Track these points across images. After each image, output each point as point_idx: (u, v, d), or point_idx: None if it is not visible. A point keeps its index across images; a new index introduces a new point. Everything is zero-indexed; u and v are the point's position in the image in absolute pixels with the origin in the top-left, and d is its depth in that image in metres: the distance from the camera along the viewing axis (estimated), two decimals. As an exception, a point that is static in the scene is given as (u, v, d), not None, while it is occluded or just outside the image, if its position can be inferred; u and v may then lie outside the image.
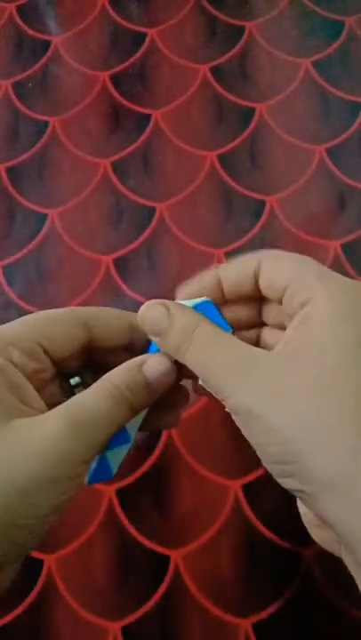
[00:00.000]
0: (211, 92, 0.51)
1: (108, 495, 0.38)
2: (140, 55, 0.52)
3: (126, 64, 0.52)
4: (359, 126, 0.48)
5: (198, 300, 0.25)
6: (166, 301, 0.25)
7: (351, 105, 0.49)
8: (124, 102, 0.51)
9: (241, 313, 0.27)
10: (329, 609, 0.35)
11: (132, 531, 0.37)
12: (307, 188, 0.46)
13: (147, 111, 0.50)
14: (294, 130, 0.49)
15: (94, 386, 0.23)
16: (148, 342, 0.26)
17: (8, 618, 0.36)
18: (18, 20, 0.55)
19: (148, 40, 0.53)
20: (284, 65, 0.51)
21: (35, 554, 0.37)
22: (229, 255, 0.44)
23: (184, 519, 0.38)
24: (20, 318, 0.25)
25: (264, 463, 0.22)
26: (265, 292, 0.25)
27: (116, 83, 0.51)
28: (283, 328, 0.26)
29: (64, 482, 0.21)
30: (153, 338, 0.25)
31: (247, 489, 0.38)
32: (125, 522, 0.38)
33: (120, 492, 0.38)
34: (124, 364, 0.24)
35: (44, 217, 0.47)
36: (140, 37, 0.53)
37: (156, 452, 0.39)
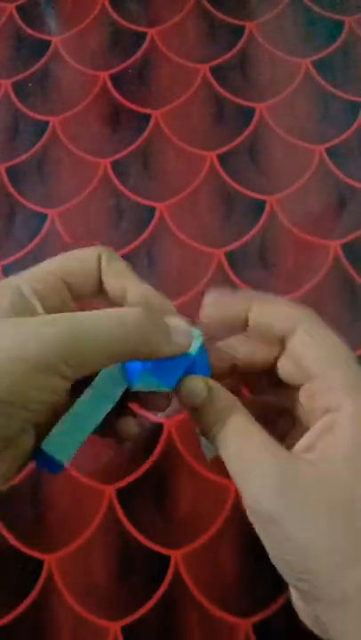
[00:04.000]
0: (211, 92, 0.51)
1: (108, 495, 0.38)
2: (140, 55, 0.52)
3: (126, 64, 0.52)
4: (359, 126, 0.48)
5: (198, 344, 0.25)
6: (208, 379, 0.24)
7: (351, 105, 0.49)
8: (124, 102, 0.51)
9: (258, 352, 0.26)
10: (329, 609, 0.35)
11: (132, 531, 0.37)
12: (307, 188, 0.46)
13: (147, 111, 0.50)
14: (294, 130, 0.49)
15: (104, 310, 0.22)
16: None
17: (8, 618, 0.36)
18: (18, 19, 0.55)
19: (148, 40, 0.53)
20: (284, 65, 0.51)
21: (35, 554, 0.37)
22: (229, 255, 0.44)
23: (184, 519, 0.38)
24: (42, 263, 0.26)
25: (275, 563, 0.22)
26: (292, 357, 0.24)
27: (116, 83, 0.51)
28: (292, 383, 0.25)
29: (45, 375, 0.20)
30: (191, 413, 0.24)
31: (247, 489, 0.38)
32: (125, 522, 0.38)
33: (120, 492, 0.38)
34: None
35: (44, 217, 0.47)
36: (140, 37, 0.53)
37: (156, 452, 0.39)
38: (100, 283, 0.26)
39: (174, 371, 0.24)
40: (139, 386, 0.24)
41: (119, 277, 0.26)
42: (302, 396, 0.24)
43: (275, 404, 0.27)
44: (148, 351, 0.23)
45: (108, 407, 0.25)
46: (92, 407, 0.24)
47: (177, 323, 0.24)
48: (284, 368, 0.25)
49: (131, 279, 0.26)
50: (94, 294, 0.26)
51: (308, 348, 0.23)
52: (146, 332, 0.22)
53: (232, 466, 0.23)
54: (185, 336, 0.24)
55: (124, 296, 0.26)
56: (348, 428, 0.22)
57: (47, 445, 0.24)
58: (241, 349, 0.26)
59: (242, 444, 0.23)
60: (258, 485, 0.22)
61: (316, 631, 0.23)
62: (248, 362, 0.25)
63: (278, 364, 0.25)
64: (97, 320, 0.21)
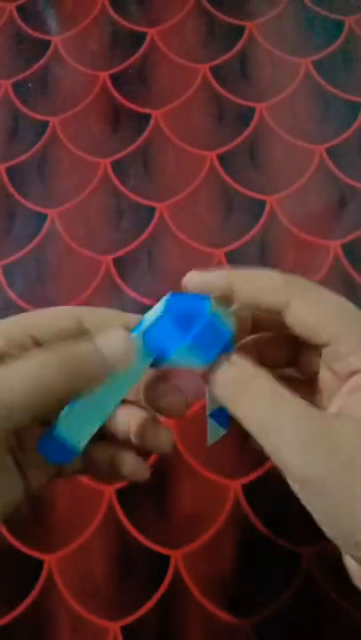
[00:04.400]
0: (211, 92, 0.51)
1: (108, 495, 0.38)
2: (140, 55, 0.52)
3: (126, 64, 0.52)
4: (359, 126, 0.48)
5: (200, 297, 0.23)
6: (228, 354, 0.22)
7: (351, 105, 0.49)
8: (124, 102, 0.51)
9: (272, 352, 0.26)
10: (329, 609, 0.35)
11: (132, 531, 0.37)
12: (307, 188, 0.46)
13: (147, 111, 0.50)
14: (294, 130, 0.49)
15: (33, 351, 0.21)
16: None
17: (8, 618, 0.36)
18: (18, 19, 0.55)
19: (148, 40, 0.53)
20: (284, 65, 0.51)
21: (35, 554, 0.37)
22: (229, 255, 0.44)
23: (184, 519, 0.38)
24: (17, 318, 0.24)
25: (330, 533, 0.21)
26: (294, 329, 0.23)
27: (116, 83, 0.51)
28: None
29: None
30: (213, 390, 0.23)
31: (247, 489, 0.38)
32: (125, 522, 0.38)
33: (120, 492, 0.38)
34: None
35: (44, 217, 0.47)
36: (140, 37, 0.53)
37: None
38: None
39: (213, 346, 0.22)
40: (170, 362, 0.22)
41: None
42: (325, 361, 0.23)
43: (295, 377, 0.26)
44: (84, 385, 0.21)
45: (131, 385, 0.23)
46: (112, 384, 0.22)
47: (107, 340, 0.22)
48: (294, 327, 0.23)
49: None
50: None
51: (310, 316, 0.22)
52: (68, 373, 0.20)
53: (264, 437, 0.21)
54: (121, 349, 0.22)
55: None
56: None
57: (59, 428, 0.22)
58: (238, 284, 0.24)
59: (272, 409, 0.21)
60: (300, 454, 0.20)
61: None
62: (245, 299, 0.23)
63: (285, 320, 0.23)
64: (20, 377, 0.20)
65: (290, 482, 0.21)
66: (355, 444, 0.20)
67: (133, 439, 0.24)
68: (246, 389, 0.21)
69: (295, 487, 0.21)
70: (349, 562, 0.24)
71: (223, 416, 0.25)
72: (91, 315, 0.24)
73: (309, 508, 0.21)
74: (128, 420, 0.24)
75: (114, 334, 0.22)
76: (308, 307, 0.22)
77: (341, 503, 0.19)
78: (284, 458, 0.20)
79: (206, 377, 0.23)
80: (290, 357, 0.26)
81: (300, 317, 0.22)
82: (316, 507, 0.20)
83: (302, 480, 0.20)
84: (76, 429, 0.22)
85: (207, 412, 0.26)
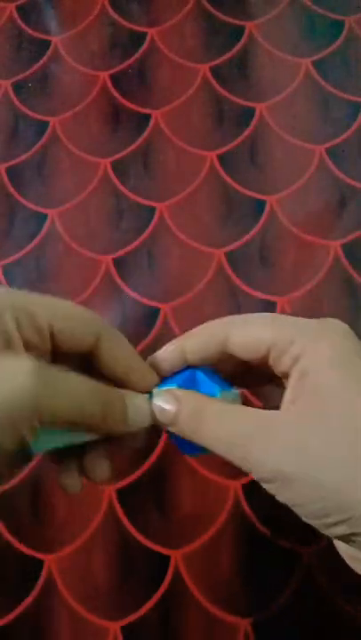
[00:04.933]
0: (211, 92, 0.51)
1: (108, 495, 0.38)
2: (140, 55, 0.52)
3: (126, 64, 0.52)
4: (359, 126, 0.48)
5: (184, 373, 0.26)
6: (174, 389, 0.25)
7: (351, 105, 0.49)
8: (124, 102, 0.51)
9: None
10: (329, 609, 0.35)
11: (132, 531, 0.37)
12: (307, 188, 0.46)
13: (147, 111, 0.50)
14: (294, 130, 0.49)
15: (82, 378, 0.23)
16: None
17: (8, 618, 0.36)
18: (18, 20, 0.55)
19: (148, 40, 0.53)
20: (284, 65, 0.51)
21: (35, 554, 0.37)
22: (229, 255, 0.44)
23: (184, 519, 0.38)
24: (53, 298, 0.25)
25: (307, 520, 0.22)
26: (242, 357, 0.25)
27: (116, 83, 0.51)
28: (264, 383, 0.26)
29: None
30: (169, 428, 0.25)
31: (247, 489, 0.38)
32: (125, 522, 0.38)
33: (120, 492, 0.38)
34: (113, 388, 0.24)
35: (44, 217, 0.47)
36: (140, 37, 0.53)
37: (157, 452, 0.39)
38: (90, 352, 0.26)
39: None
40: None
41: (118, 360, 0.26)
42: (272, 365, 0.24)
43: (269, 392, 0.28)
44: (102, 429, 0.23)
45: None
46: None
47: (140, 403, 0.25)
48: (240, 353, 0.25)
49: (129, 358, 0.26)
50: (78, 357, 0.26)
51: (244, 336, 0.24)
52: (103, 410, 0.23)
53: (228, 452, 0.23)
54: (142, 417, 0.25)
55: (121, 376, 0.26)
56: (320, 362, 0.22)
57: None
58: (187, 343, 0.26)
59: (224, 428, 0.23)
60: (252, 450, 0.22)
61: None
62: (196, 351, 0.26)
63: (232, 351, 0.25)
64: (68, 382, 0.22)
65: (263, 485, 0.22)
66: (306, 431, 0.21)
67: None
68: (203, 419, 0.23)
69: (266, 487, 0.22)
70: (338, 543, 0.25)
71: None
72: (109, 339, 0.26)
73: (281, 500, 0.22)
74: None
75: (143, 402, 0.25)
76: (241, 330, 0.25)
77: (306, 492, 0.21)
78: (250, 463, 0.22)
79: (158, 417, 0.25)
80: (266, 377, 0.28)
81: (237, 343, 0.25)
82: (287, 498, 0.22)
83: (269, 478, 0.22)
84: (42, 440, 0.23)
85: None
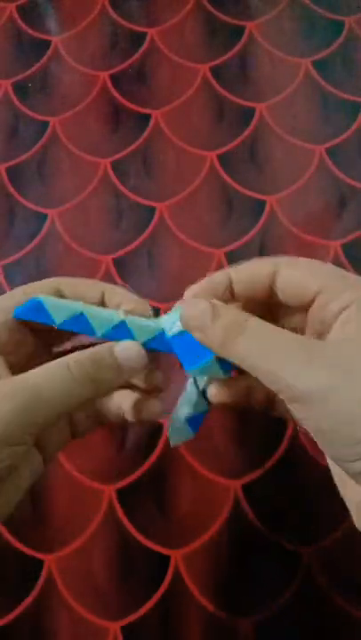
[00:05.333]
0: (211, 92, 0.51)
1: (108, 495, 0.38)
2: (140, 55, 0.52)
3: (126, 64, 0.52)
4: (359, 126, 0.48)
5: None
6: (212, 300, 0.24)
7: (351, 105, 0.49)
8: (124, 102, 0.51)
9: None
10: (329, 609, 0.35)
11: (132, 531, 0.37)
12: (307, 188, 0.46)
13: (147, 111, 0.50)
14: (294, 130, 0.49)
15: (53, 362, 0.23)
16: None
17: (8, 618, 0.36)
18: (18, 20, 0.55)
19: (148, 40, 0.53)
20: (284, 65, 0.51)
21: (35, 554, 0.37)
22: (229, 255, 0.44)
23: (184, 519, 0.38)
24: (9, 293, 0.26)
25: (331, 450, 0.21)
26: (283, 297, 0.25)
27: (116, 83, 0.51)
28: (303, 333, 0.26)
29: (10, 448, 0.22)
30: (196, 334, 0.24)
31: (247, 489, 0.38)
32: (125, 522, 0.38)
33: (120, 492, 0.38)
34: (96, 347, 0.25)
35: (44, 217, 0.47)
36: (140, 37, 0.53)
37: (157, 452, 0.39)
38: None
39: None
40: (194, 371, 0.25)
41: (86, 293, 0.27)
42: (314, 311, 0.24)
43: None
44: (103, 392, 0.25)
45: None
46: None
47: (125, 346, 0.25)
48: (285, 292, 0.25)
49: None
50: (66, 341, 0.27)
51: (298, 275, 0.24)
52: (90, 378, 0.24)
53: (263, 365, 0.22)
54: (136, 358, 0.25)
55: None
56: None
57: (45, 299, 0.26)
58: (233, 271, 0.26)
59: (271, 339, 0.22)
60: (300, 370, 0.21)
61: None
62: (247, 289, 0.26)
63: (276, 289, 0.25)
64: (50, 383, 0.23)
65: (288, 405, 0.22)
66: (354, 357, 0.21)
67: (129, 417, 0.27)
68: (244, 329, 0.23)
69: (294, 408, 0.22)
70: (334, 467, 0.24)
71: (197, 420, 0.28)
72: (71, 287, 0.27)
73: (308, 424, 0.21)
74: (120, 404, 0.28)
75: (130, 346, 0.25)
76: (295, 268, 0.25)
77: (342, 410, 0.20)
78: (285, 379, 0.21)
79: (188, 324, 0.24)
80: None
81: (289, 278, 0.24)
82: (317, 420, 0.21)
83: (302, 395, 0.21)
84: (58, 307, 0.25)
85: (183, 414, 0.28)
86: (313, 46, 0.52)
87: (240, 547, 0.37)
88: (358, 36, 0.52)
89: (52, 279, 0.27)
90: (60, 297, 0.26)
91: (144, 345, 0.25)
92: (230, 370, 0.25)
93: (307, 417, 0.21)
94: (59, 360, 0.23)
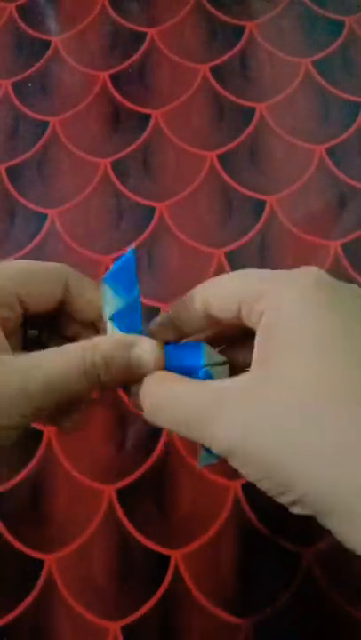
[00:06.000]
0: (211, 92, 0.51)
1: (108, 495, 0.38)
2: (140, 55, 0.52)
3: (126, 64, 0.52)
4: (359, 126, 0.48)
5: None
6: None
7: (351, 105, 0.49)
8: (124, 102, 0.51)
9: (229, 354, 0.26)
10: (329, 609, 0.35)
11: (132, 531, 0.37)
12: (307, 188, 0.46)
13: (147, 111, 0.50)
14: (294, 130, 0.49)
15: (68, 349, 0.23)
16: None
17: (8, 618, 0.36)
18: (18, 19, 0.55)
19: (148, 40, 0.53)
20: (284, 65, 0.51)
21: (35, 554, 0.37)
22: (229, 255, 0.44)
23: (184, 519, 0.38)
24: (6, 265, 0.25)
25: (267, 495, 0.21)
26: (219, 317, 0.24)
27: (116, 83, 0.51)
28: None
29: (4, 431, 0.22)
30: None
31: (247, 489, 0.38)
32: (125, 522, 0.38)
33: (120, 492, 0.38)
34: (113, 337, 0.24)
35: (44, 217, 0.47)
36: (140, 37, 0.53)
37: (157, 452, 0.39)
38: (60, 303, 0.26)
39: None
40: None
41: (92, 300, 0.26)
42: (249, 325, 0.23)
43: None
44: (107, 386, 0.23)
45: None
46: None
47: (143, 351, 0.24)
48: (216, 309, 0.24)
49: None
50: (49, 313, 0.26)
51: (219, 294, 0.24)
52: (100, 381, 0.23)
53: (184, 431, 0.22)
54: (150, 364, 0.24)
55: (95, 318, 0.26)
56: (281, 316, 0.20)
57: None
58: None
59: (174, 406, 0.22)
60: (202, 427, 0.21)
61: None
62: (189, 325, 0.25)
63: (211, 313, 0.24)
64: (63, 379, 0.22)
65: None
66: (252, 401, 0.20)
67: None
68: (159, 406, 0.23)
69: (230, 463, 0.21)
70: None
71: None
72: (77, 281, 0.26)
73: (244, 475, 0.21)
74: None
75: (150, 345, 0.23)
76: (215, 288, 0.24)
77: (254, 469, 0.20)
78: (204, 440, 0.21)
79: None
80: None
81: (213, 302, 0.24)
82: (245, 472, 0.21)
83: (223, 453, 0.21)
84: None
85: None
86: (313, 46, 0.52)
87: (240, 547, 0.37)
88: (358, 36, 0.52)
89: (61, 265, 0.26)
90: (64, 286, 0.26)
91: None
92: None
93: (239, 470, 0.21)
94: (75, 355, 0.22)
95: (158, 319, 0.26)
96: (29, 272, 0.25)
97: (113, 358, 0.23)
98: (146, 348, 0.23)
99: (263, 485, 0.20)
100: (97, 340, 0.23)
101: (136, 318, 0.24)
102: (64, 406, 0.26)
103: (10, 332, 0.25)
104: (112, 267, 0.25)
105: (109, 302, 0.24)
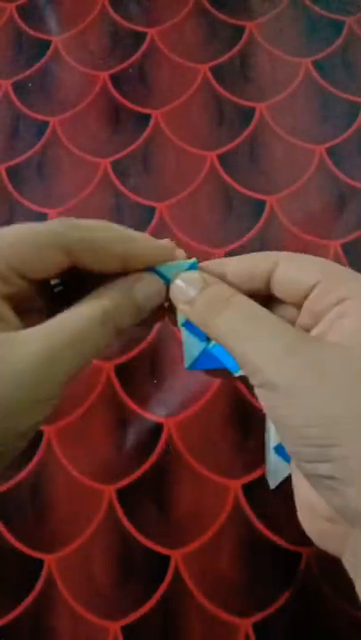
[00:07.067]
0: (211, 92, 0.51)
1: (108, 495, 0.38)
2: (140, 55, 0.52)
3: (126, 64, 0.52)
4: (359, 126, 0.48)
5: (188, 262, 0.25)
6: (198, 272, 0.24)
7: (351, 105, 0.49)
8: (124, 102, 0.51)
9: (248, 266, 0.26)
10: (329, 608, 0.35)
11: (132, 531, 0.37)
12: (307, 188, 0.46)
13: (147, 111, 0.50)
14: (294, 130, 0.49)
15: (80, 306, 0.22)
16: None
17: (8, 618, 0.36)
18: (18, 20, 0.55)
19: (148, 40, 0.53)
20: (284, 65, 0.51)
21: (35, 554, 0.37)
22: (229, 255, 0.44)
23: (184, 519, 0.38)
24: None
25: (292, 447, 0.21)
26: (279, 291, 0.24)
27: (116, 83, 0.51)
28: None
29: (41, 404, 0.21)
30: (181, 306, 0.24)
31: (247, 489, 0.38)
32: (125, 522, 0.38)
33: (120, 492, 0.38)
34: (114, 285, 0.23)
35: (44, 217, 0.47)
36: (140, 37, 0.53)
37: (157, 452, 0.39)
38: (62, 260, 0.23)
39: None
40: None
41: (108, 248, 0.24)
42: (308, 304, 0.23)
43: None
44: (121, 333, 0.23)
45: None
46: None
47: (146, 287, 0.24)
48: (281, 289, 0.24)
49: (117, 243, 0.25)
50: (53, 276, 0.24)
51: (297, 269, 0.23)
52: (116, 330, 0.23)
53: (241, 345, 0.21)
54: (156, 297, 0.24)
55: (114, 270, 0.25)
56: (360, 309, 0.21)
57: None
58: (231, 264, 0.25)
59: (253, 320, 0.22)
60: (278, 360, 0.20)
61: (324, 545, 0.22)
62: (240, 274, 0.25)
63: (273, 283, 0.24)
64: (84, 335, 0.22)
65: (256, 390, 0.21)
66: (331, 355, 0.20)
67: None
68: (228, 305, 0.22)
69: (261, 394, 0.21)
70: (299, 487, 0.24)
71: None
72: (81, 243, 0.23)
73: (272, 413, 0.21)
74: None
75: (151, 283, 0.24)
76: (292, 263, 0.24)
77: (313, 411, 0.19)
78: (259, 364, 0.21)
79: (177, 295, 0.24)
80: None
81: (286, 276, 0.24)
82: (284, 414, 0.20)
83: (274, 387, 0.20)
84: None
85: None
86: (313, 46, 0.52)
87: (240, 547, 0.37)
88: (358, 36, 0.52)
89: (58, 223, 0.24)
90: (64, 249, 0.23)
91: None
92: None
93: (273, 406, 0.21)
94: (83, 305, 0.22)
95: (206, 263, 0.25)
96: (18, 240, 0.22)
97: (121, 303, 0.23)
98: (142, 286, 0.24)
99: (301, 432, 0.20)
100: (96, 293, 0.23)
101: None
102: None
103: (22, 303, 0.23)
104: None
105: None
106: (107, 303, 0.22)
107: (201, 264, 0.25)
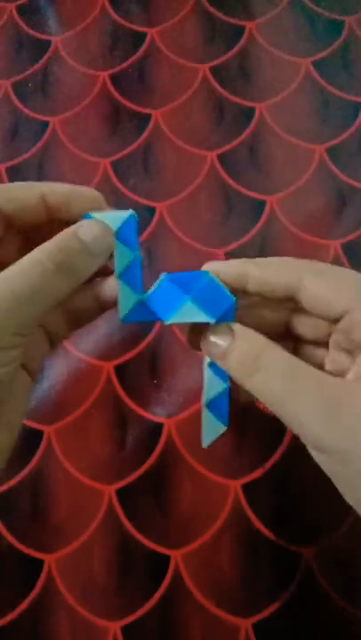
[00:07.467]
0: (211, 92, 0.51)
1: (108, 495, 0.38)
2: (140, 55, 0.52)
3: (126, 64, 0.52)
4: (359, 126, 0.48)
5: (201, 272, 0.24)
6: (230, 324, 0.23)
7: (351, 105, 0.49)
8: (124, 102, 0.51)
9: (267, 314, 0.25)
10: (329, 608, 0.35)
11: (132, 531, 0.37)
12: (307, 188, 0.46)
13: (147, 111, 0.50)
14: (294, 130, 0.49)
15: (24, 257, 0.22)
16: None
17: (8, 618, 0.36)
18: (18, 20, 0.55)
19: (148, 40, 0.53)
20: (284, 65, 0.51)
21: (35, 554, 0.37)
22: (230, 255, 0.44)
23: (184, 519, 0.38)
24: None
25: (351, 501, 0.21)
26: (308, 308, 0.23)
27: (116, 83, 0.51)
28: (324, 344, 0.25)
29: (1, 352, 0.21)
30: (217, 361, 0.23)
31: (247, 489, 0.38)
32: (125, 522, 0.38)
33: (120, 492, 0.38)
34: (58, 234, 0.23)
35: (44, 217, 0.47)
36: (140, 37, 0.53)
37: (157, 452, 0.39)
38: (46, 211, 0.25)
39: (216, 304, 0.23)
40: (176, 317, 0.24)
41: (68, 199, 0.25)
42: (339, 331, 0.23)
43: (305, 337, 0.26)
44: (81, 277, 0.23)
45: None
46: None
47: (87, 227, 0.24)
48: (310, 305, 0.23)
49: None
50: (39, 224, 0.25)
51: (324, 290, 0.23)
52: (66, 268, 0.22)
53: (283, 410, 0.21)
54: (102, 237, 0.24)
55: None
56: None
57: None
58: (254, 272, 0.24)
59: (290, 379, 0.21)
60: (320, 425, 0.20)
61: None
62: (262, 283, 0.24)
63: (301, 298, 0.23)
64: (29, 280, 0.21)
65: (311, 451, 0.21)
66: None
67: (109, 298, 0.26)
68: (260, 361, 0.22)
69: (317, 456, 0.21)
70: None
71: (222, 408, 0.26)
72: (52, 191, 0.25)
73: (331, 476, 0.21)
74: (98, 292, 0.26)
75: (92, 225, 0.24)
76: (321, 281, 0.23)
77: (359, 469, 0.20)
78: (305, 428, 0.20)
79: (208, 350, 0.23)
80: (284, 322, 0.26)
81: (314, 292, 0.23)
82: (339, 475, 0.21)
83: (324, 450, 0.20)
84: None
85: (203, 402, 0.26)
86: (313, 46, 0.52)
87: (240, 547, 0.37)
88: (358, 36, 0.52)
89: (27, 184, 0.25)
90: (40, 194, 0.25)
91: (120, 276, 0.25)
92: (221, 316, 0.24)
93: (329, 470, 0.21)
94: (30, 256, 0.22)
95: (237, 266, 0.24)
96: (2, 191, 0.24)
97: (66, 244, 0.23)
98: (88, 223, 0.24)
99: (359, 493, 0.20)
100: (43, 244, 0.23)
101: (137, 275, 0.25)
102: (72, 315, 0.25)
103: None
104: (116, 225, 0.25)
105: (117, 258, 0.25)
106: (52, 248, 0.22)
107: (217, 266, 0.24)
